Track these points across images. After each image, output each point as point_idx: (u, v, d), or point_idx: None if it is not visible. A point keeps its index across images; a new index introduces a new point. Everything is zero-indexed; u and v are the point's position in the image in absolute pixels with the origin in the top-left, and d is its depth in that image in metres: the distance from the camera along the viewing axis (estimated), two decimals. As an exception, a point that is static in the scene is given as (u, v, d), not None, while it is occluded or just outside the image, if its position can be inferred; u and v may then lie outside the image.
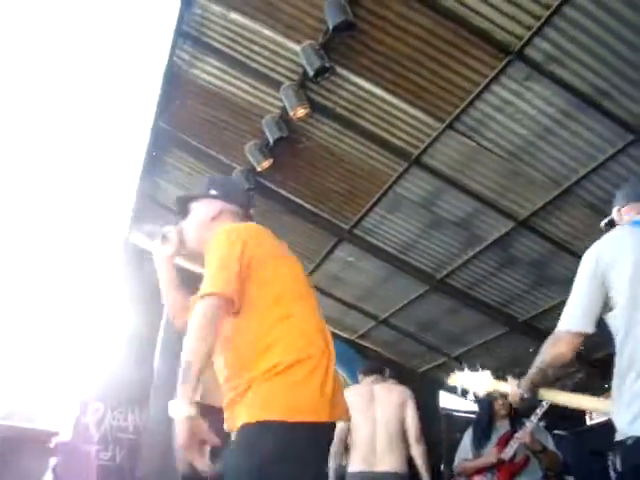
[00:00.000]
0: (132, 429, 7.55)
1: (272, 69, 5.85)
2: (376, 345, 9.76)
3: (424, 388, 9.35)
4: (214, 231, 2.47)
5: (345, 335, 9.60)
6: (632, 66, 4.81)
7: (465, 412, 9.55)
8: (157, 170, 7.62)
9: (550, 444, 4.81)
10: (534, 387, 2.63)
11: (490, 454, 4.81)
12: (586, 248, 2.68)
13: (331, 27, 4.94)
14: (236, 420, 2.21)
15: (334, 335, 8.04)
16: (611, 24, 4.58)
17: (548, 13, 4.65)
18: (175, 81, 6.28)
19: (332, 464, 4.93)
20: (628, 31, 4.59)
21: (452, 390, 10.08)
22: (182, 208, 2.73)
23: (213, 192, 2.70)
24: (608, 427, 2.51)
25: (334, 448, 4.77)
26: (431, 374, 10.00)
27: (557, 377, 2.60)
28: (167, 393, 7.71)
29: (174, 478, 6.66)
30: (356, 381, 9.43)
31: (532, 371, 2.62)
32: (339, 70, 5.54)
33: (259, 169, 6.51)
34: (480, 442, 4.98)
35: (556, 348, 2.53)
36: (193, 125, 6.89)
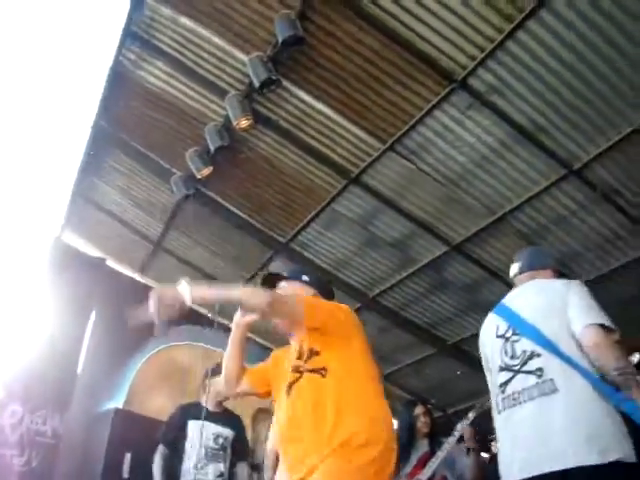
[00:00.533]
0: (51, 433, 7.35)
1: (218, 77, 5.82)
2: (306, 360, 9.74)
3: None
4: None
5: (273, 348, 9.52)
6: (568, 104, 4.98)
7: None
8: (95, 170, 7.47)
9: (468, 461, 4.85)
10: None
11: None
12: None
13: (280, 40, 4.95)
14: None
15: (263, 348, 7.97)
16: (551, 63, 4.74)
17: (492, 46, 4.78)
18: (120, 81, 6.18)
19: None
20: (566, 71, 4.75)
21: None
22: (268, 283, 2.90)
23: (306, 278, 2.92)
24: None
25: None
26: (359, 391, 10.03)
27: None
28: (90, 396, 7.47)
29: (93, 478, 6.49)
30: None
31: None
32: (285, 84, 5.53)
33: (199, 176, 6.44)
34: (398, 463, 4.92)
35: None
36: (135, 127, 6.78)
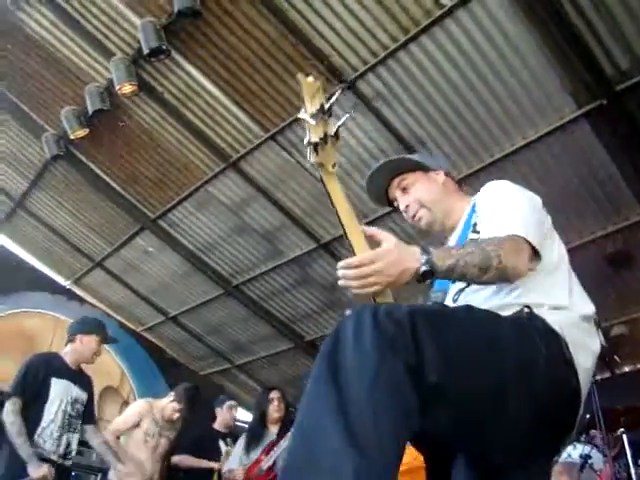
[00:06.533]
0: None
1: (107, 37, 5.57)
2: (161, 341, 9.57)
3: (204, 392, 9.31)
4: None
5: (131, 326, 9.29)
6: (448, 122, 5.18)
7: (242, 421, 9.57)
8: (-44, 115, 6.98)
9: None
10: None
11: (238, 473, 4.87)
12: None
13: (176, 10, 4.83)
14: None
15: (120, 324, 7.62)
16: (436, 78, 4.91)
17: (385, 53, 4.88)
18: (-1, 22, 5.79)
19: None
20: (449, 88, 4.94)
21: (231, 396, 10.20)
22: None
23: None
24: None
25: None
26: (212, 378, 9.96)
27: None
28: None
29: None
30: (137, 374, 9.22)
31: None
32: (175, 56, 5.40)
33: (72, 137, 6.15)
34: (249, 448, 5.01)
35: None
36: (9, 75, 6.36)
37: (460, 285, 1.91)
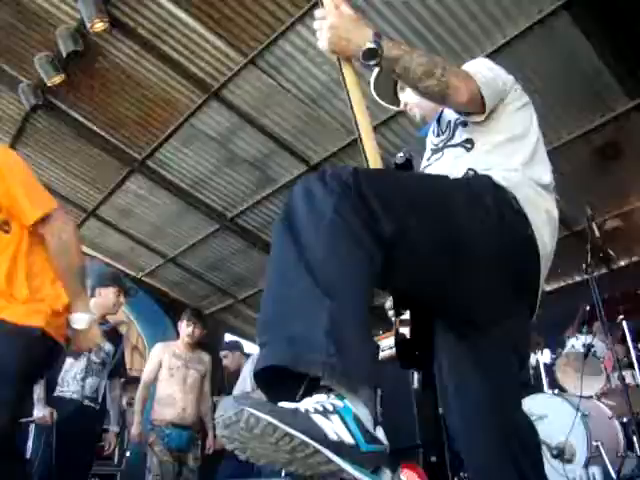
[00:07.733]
0: None
1: (72, -26, 5.43)
2: (163, 284, 9.60)
3: (210, 330, 9.40)
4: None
5: (131, 273, 9.31)
6: (426, 26, 5.08)
7: (247, 354, 9.69)
8: None
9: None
10: None
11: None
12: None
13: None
14: None
15: (121, 272, 7.54)
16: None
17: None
18: (-45, -28, 5.62)
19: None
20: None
21: (236, 332, 10.32)
22: None
23: None
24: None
25: None
26: (217, 316, 10.05)
27: None
28: None
29: None
30: (143, 318, 9.32)
31: None
32: (145, -13, 5.27)
33: (49, 84, 6.04)
34: None
35: None
36: (-26, 27, 6.21)
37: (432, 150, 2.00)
